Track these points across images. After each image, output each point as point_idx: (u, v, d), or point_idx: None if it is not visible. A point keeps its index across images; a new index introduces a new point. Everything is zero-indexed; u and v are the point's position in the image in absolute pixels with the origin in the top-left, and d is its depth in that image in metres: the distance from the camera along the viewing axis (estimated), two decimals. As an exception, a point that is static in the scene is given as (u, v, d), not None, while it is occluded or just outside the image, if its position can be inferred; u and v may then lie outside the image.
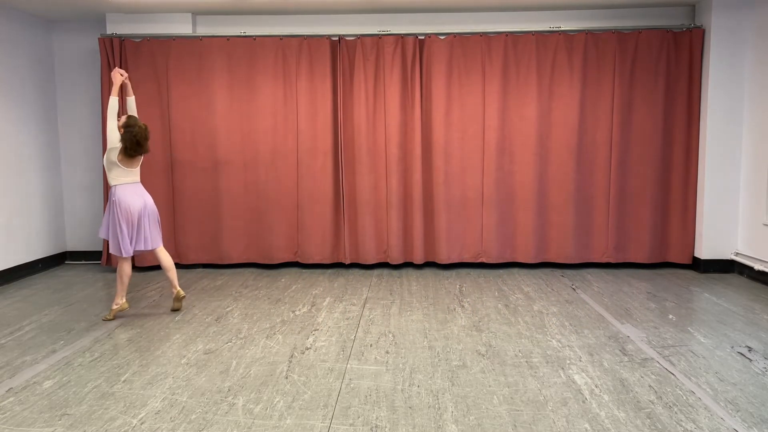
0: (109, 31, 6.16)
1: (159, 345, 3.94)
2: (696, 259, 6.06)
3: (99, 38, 6.05)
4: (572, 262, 6.15)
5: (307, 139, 6.14)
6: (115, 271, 6.24)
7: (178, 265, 6.38)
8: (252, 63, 6.10)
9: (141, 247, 4.54)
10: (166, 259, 4.69)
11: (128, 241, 4.46)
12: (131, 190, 4.52)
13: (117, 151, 4.44)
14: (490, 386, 3.22)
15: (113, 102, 4.46)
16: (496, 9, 6.14)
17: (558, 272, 6.02)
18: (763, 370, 3.44)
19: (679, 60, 5.95)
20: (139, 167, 4.64)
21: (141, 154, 4.58)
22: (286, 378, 3.36)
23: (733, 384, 3.24)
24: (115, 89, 4.53)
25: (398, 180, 6.11)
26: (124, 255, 4.45)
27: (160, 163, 6.19)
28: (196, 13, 6.24)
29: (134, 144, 4.44)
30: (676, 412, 2.90)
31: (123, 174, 4.49)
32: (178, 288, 4.72)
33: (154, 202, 6.15)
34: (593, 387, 3.20)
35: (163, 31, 6.15)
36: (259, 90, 6.12)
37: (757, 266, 5.51)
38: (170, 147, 6.17)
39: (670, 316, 4.49)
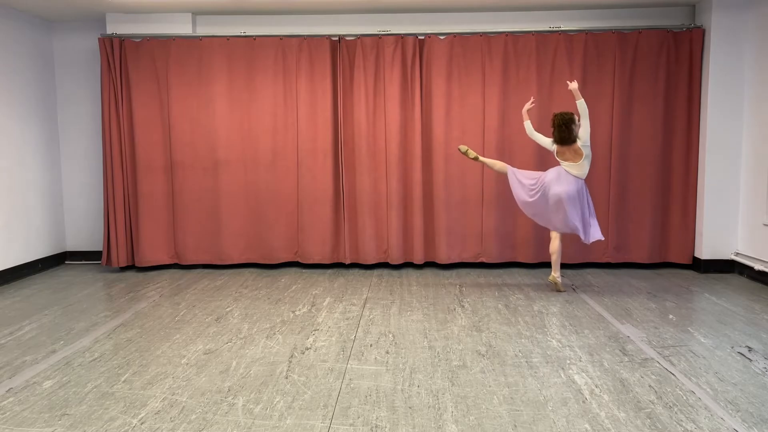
0: (109, 31, 6.16)
1: (159, 345, 3.94)
2: (696, 259, 6.06)
3: (99, 38, 6.05)
4: (572, 262, 6.14)
5: (307, 139, 6.14)
6: (114, 271, 6.25)
7: (177, 266, 6.39)
8: (252, 63, 6.10)
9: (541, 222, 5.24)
10: (553, 245, 5.19)
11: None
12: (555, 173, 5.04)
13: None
14: (490, 386, 3.22)
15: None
16: (496, 9, 6.14)
17: (558, 272, 6.02)
18: (763, 370, 3.44)
19: (679, 60, 5.95)
20: (575, 161, 4.96)
21: (564, 143, 4.97)
22: (286, 378, 3.36)
23: (734, 384, 3.24)
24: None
25: (398, 180, 6.11)
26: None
27: (160, 163, 6.19)
28: (196, 13, 6.24)
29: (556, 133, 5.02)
30: (676, 412, 2.90)
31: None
32: (554, 275, 5.15)
33: (154, 202, 6.22)
34: (593, 387, 3.20)
35: (163, 31, 6.15)
36: (259, 90, 6.11)
37: (757, 266, 5.51)
38: (170, 147, 6.17)
39: (670, 316, 4.49)
